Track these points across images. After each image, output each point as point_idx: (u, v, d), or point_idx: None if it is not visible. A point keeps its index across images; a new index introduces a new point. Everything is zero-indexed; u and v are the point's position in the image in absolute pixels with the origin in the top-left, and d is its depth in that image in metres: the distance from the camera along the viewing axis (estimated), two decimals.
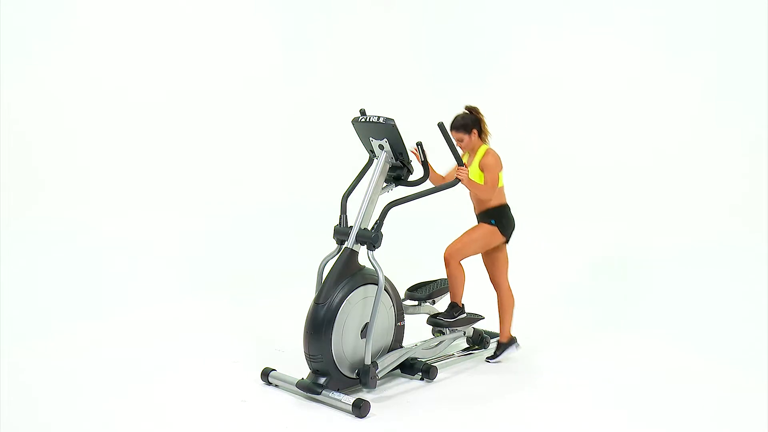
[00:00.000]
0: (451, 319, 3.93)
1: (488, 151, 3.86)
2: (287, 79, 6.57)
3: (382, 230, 3.51)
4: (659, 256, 5.51)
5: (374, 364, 3.45)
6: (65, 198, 5.58)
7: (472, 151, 3.91)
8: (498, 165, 3.82)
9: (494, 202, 3.89)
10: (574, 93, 6.02)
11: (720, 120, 5.57)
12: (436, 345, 3.93)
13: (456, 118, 3.86)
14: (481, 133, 3.88)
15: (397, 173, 3.67)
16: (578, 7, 6.03)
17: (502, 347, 4.09)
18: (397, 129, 3.52)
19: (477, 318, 4.11)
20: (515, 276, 4.12)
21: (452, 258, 3.85)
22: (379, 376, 3.49)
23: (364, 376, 3.40)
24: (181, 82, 6.09)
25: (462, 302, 4.01)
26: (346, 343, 3.42)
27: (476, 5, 6.47)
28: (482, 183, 3.79)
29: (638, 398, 3.57)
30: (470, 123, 3.83)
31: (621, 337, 4.54)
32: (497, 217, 3.89)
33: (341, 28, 6.74)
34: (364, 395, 3.39)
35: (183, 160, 6.06)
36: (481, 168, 3.82)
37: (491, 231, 3.89)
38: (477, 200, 3.93)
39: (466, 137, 3.83)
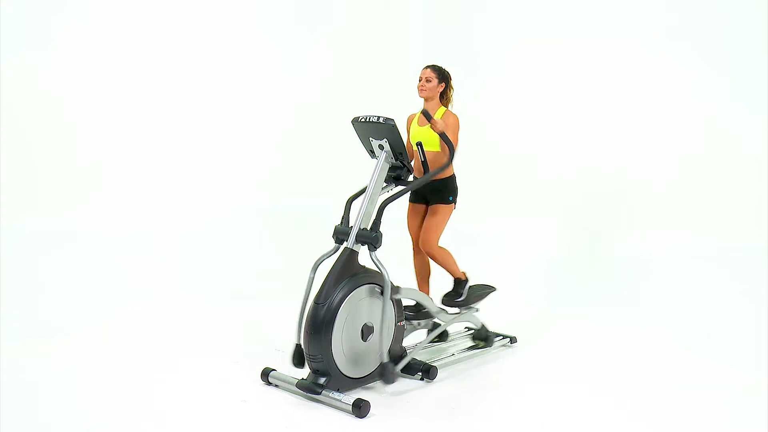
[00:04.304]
0: (460, 297, 4.00)
1: (448, 112, 3.84)
2: (285, 78, 6.51)
3: (382, 229, 3.51)
4: (657, 255, 5.49)
5: (393, 360, 3.50)
6: (64, 198, 5.57)
7: (429, 111, 3.83)
8: (458, 126, 3.79)
9: (448, 173, 3.85)
10: (573, 93, 6.01)
11: (716, 123, 5.58)
12: (455, 316, 4.02)
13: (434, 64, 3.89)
14: (444, 94, 3.88)
15: (397, 173, 3.67)
16: (578, 7, 6.03)
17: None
18: (397, 129, 3.52)
19: (489, 289, 4.18)
20: (511, 275, 4.11)
21: (431, 248, 3.89)
22: (398, 369, 3.52)
23: (383, 373, 3.43)
24: (179, 81, 6.06)
25: (464, 273, 4.07)
26: (346, 343, 3.42)
27: (476, 5, 6.46)
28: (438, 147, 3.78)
29: (640, 398, 3.56)
30: (446, 75, 3.86)
31: (620, 336, 4.56)
32: (453, 193, 3.89)
33: (340, 27, 6.70)
34: (365, 395, 3.39)
35: (182, 159, 6.03)
36: (443, 126, 3.72)
37: (449, 209, 3.91)
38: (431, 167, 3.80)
39: (434, 81, 3.80)
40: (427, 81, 3.81)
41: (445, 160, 3.74)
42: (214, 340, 4.29)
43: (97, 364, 3.80)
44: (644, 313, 4.94)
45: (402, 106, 4.23)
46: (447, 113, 3.84)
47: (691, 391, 3.66)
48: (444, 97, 3.90)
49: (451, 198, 3.89)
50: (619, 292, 5.24)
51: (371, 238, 3.45)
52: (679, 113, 5.63)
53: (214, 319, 4.73)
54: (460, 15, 6.52)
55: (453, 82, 3.94)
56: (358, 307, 3.47)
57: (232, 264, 5.70)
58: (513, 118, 6.19)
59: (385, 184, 3.67)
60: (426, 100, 3.87)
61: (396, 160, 3.61)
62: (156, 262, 5.45)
